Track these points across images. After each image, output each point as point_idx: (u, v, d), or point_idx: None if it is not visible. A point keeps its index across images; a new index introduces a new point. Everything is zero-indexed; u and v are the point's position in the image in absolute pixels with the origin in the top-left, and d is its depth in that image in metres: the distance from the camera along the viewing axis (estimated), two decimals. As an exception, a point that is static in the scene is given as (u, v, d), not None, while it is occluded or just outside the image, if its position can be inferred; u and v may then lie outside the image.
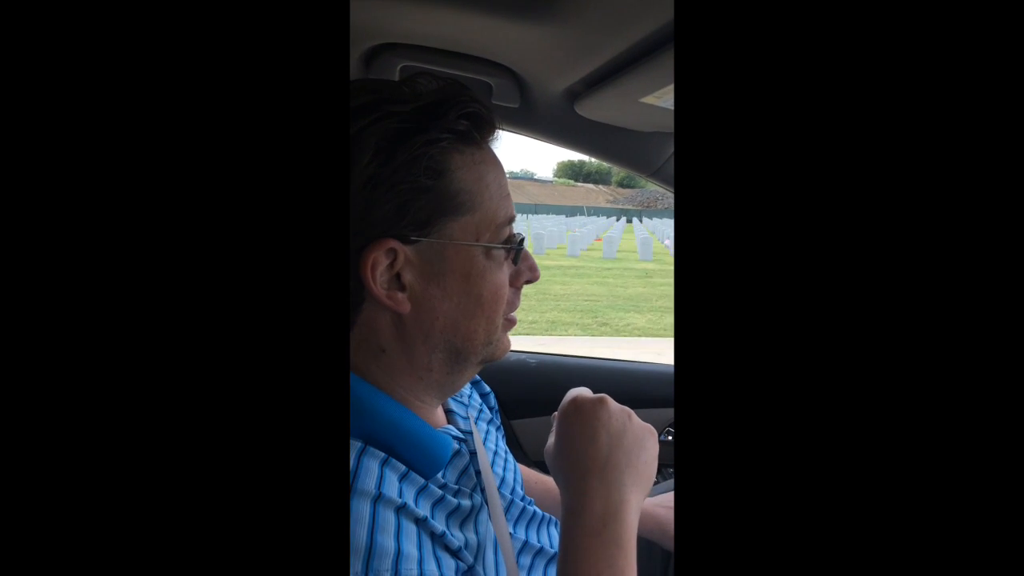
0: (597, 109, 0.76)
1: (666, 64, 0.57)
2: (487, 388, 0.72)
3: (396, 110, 0.43)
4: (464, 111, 0.45)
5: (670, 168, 0.86)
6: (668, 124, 0.78)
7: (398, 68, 0.72)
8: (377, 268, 0.43)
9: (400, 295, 0.45)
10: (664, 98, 0.69)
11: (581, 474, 0.48)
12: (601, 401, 0.51)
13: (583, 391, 0.54)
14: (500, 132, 0.50)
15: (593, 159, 0.93)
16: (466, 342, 0.48)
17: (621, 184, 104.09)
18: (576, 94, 0.75)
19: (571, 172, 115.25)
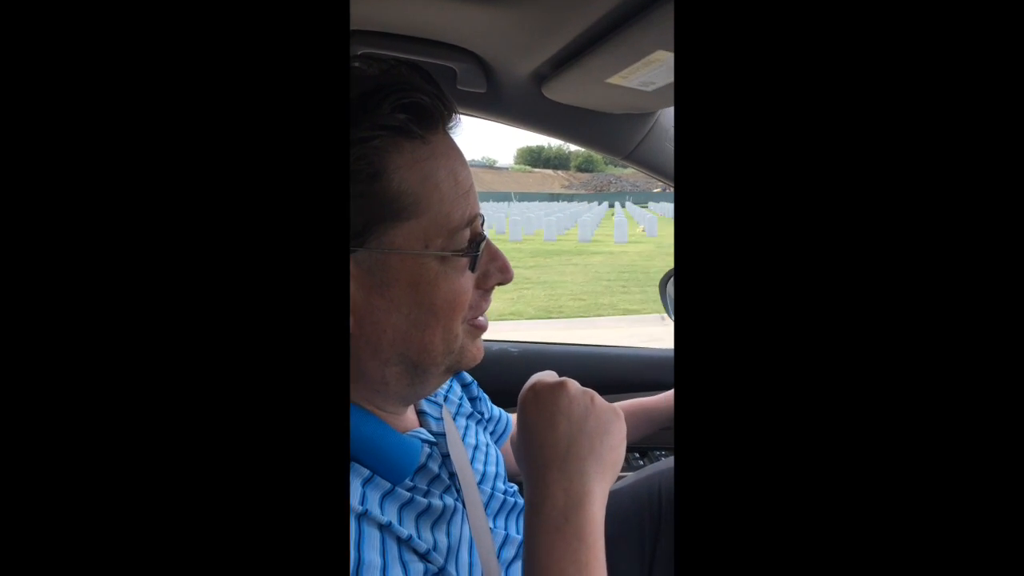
0: (565, 92, 0.75)
1: (631, 42, 0.56)
2: (468, 378, 0.71)
3: None
4: (402, 101, 0.40)
5: (643, 150, 0.86)
6: (638, 105, 0.78)
7: (357, 54, 0.69)
8: None
9: None
10: (630, 78, 0.68)
11: (541, 465, 0.45)
12: (561, 386, 0.48)
13: (545, 376, 0.51)
14: (461, 119, 0.45)
15: (553, 144, 0.92)
16: (422, 354, 0.44)
17: (580, 168, 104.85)
18: (543, 76, 0.74)
19: (530, 158, 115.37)
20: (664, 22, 0.50)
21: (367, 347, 0.43)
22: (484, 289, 0.47)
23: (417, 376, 0.45)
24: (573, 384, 0.49)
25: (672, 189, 0.91)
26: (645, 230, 15.27)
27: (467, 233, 0.43)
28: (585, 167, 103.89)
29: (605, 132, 0.85)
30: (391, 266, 0.41)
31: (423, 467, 0.48)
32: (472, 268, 0.44)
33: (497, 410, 0.75)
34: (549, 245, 12.87)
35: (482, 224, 0.46)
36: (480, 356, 0.48)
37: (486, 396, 0.73)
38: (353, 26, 0.67)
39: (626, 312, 6.14)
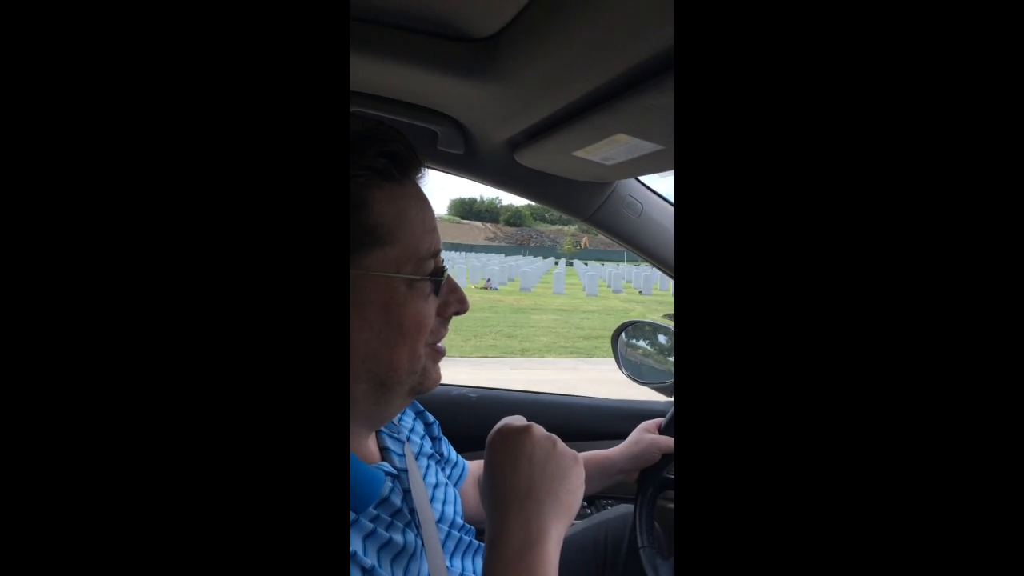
0: (535, 159, 0.82)
1: (597, 124, 0.62)
2: (431, 418, 0.73)
3: None
4: (384, 150, 0.47)
5: (602, 214, 0.94)
6: (599, 175, 0.85)
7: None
8: None
9: None
10: (594, 152, 0.75)
11: (502, 504, 0.49)
12: (526, 430, 0.52)
13: (513, 420, 0.55)
14: (428, 172, 0.53)
15: (486, 196, 0.96)
16: (390, 372, 0.48)
17: (508, 223, 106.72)
18: (516, 144, 0.80)
19: (462, 209, 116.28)
20: (626, 110, 0.57)
21: None
22: (443, 317, 0.52)
23: (383, 395, 0.49)
24: (538, 429, 0.53)
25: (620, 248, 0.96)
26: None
27: (431, 264, 0.50)
28: (513, 221, 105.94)
29: (569, 196, 0.92)
30: (366, 287, 0.46)
31: (386, 500, 0.50)
32: (436, 293, 0.50)
33: (456, 455, 0.76)
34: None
35: (442, 261, 0.52)
36: (439, 380, 0.53)
37: (447, 439, 0.75)
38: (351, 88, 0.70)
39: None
